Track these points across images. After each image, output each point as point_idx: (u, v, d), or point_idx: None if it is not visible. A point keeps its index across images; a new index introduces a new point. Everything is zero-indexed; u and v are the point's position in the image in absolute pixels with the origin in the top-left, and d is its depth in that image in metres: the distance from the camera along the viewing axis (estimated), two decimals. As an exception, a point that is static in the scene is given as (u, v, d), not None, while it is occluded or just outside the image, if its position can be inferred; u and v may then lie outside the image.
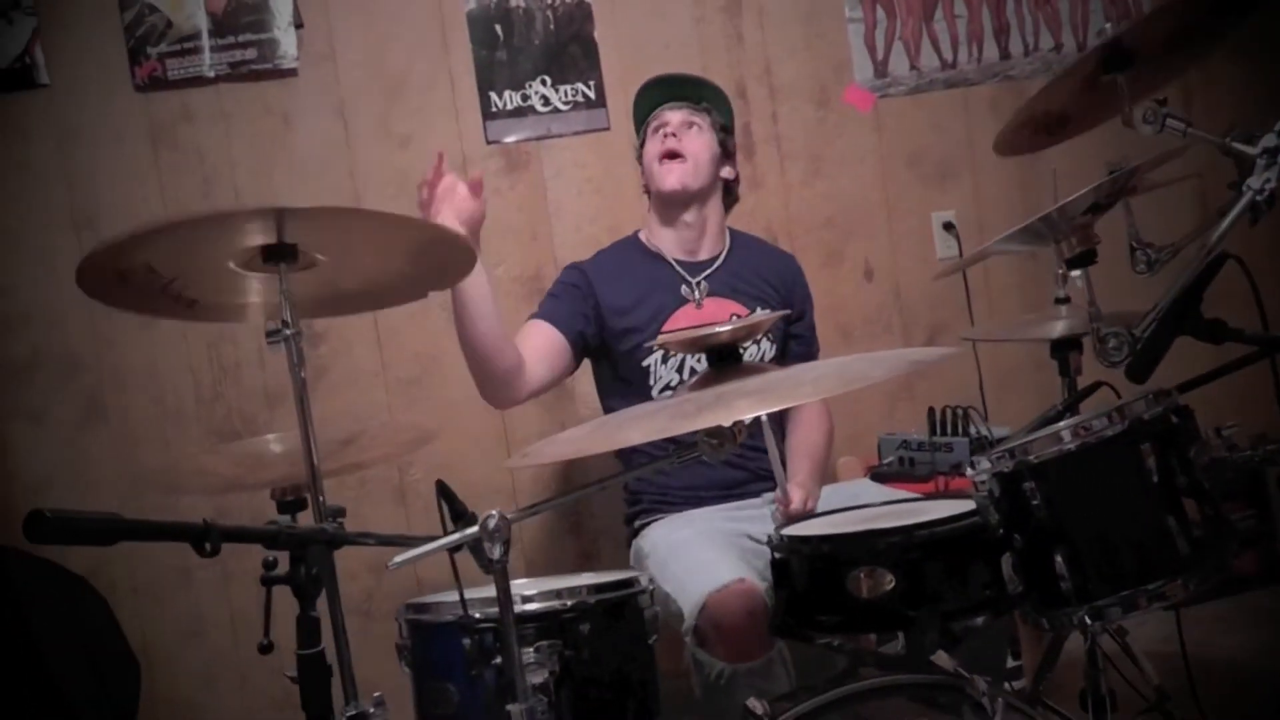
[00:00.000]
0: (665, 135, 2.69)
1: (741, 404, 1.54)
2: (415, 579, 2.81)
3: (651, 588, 2.08)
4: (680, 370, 2.64)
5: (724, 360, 1.62)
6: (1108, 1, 3.47)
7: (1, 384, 2.94)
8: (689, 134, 2.70)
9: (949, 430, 2.95)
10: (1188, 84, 3.38)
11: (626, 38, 3.21)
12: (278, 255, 1.68)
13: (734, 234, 2.82)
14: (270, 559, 1.47)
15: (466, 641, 1.91)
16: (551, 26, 3.15)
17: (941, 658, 1.78)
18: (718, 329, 1.63)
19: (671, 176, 2.67)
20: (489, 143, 3.14)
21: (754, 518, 2.54)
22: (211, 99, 3.00)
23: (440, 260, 1.86)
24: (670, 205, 2.72)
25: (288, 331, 1.69)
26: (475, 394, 3.10)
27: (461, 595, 1.80)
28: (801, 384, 1.63)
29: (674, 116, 2.71)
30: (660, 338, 1.88)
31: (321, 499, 1.70)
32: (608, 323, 2.65)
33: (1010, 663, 2.91)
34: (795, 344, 2.78)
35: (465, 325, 2.40)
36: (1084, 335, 2.22)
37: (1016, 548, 1.84)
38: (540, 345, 2.58)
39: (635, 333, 2.65)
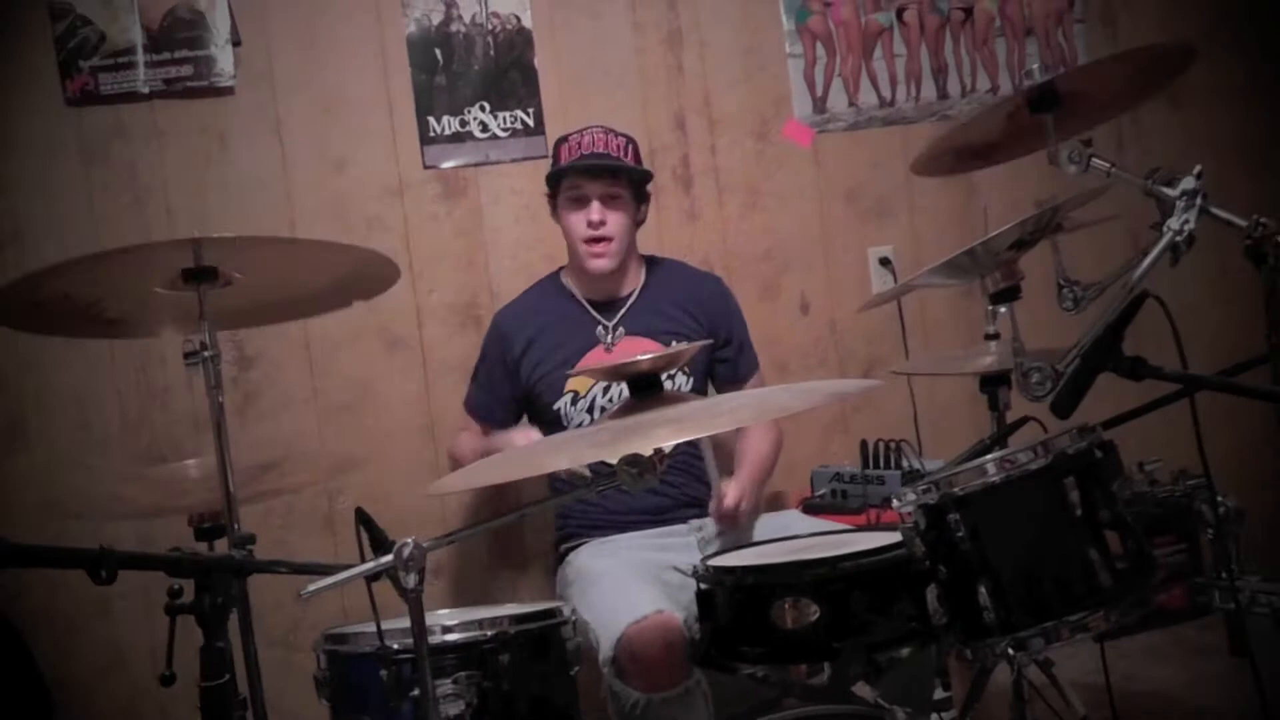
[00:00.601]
0: (589, 219, 2.66)
1: (659, 433, 1.53)
2: (342, 609, 2.75)
3: (574, 619, 2.06)
4: (591, 411, 2.66)
5: (643, 390, 1.61)
6: (1043, 46, 3.55)
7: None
8: (610, 211, 2.68)
9: (881, 464, 2.96)
10: (1119, 125, 3.46)
11: (566, 66, 3.21)
12: (197, 277, 1.65)
13: (651, 263, 2.84)
14: (175, 587, 1.43)
15: (383, 673, 1.87)
16: (492, 52, 3.15)
17: (862, 689, 1.78)
18: (638, 358, 1.62)
19: (600, 261, 2.69)
20: (426, 167, 3.12)
21: (679, 545, 2.54)
22: (145, 115, 2.95)
23: (363, 275, 1.83)
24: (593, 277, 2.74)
25: (206, 353, 1.67)
26: (408, 422, 3.11)
27: (378, 625, 1.77)
28: (719, 414, 1.63)
29: (594, 189, 2.67)
30: (579, 367, 1.88)
31: (236, 525, 1.67)
32: (522, 377, 2.73)
33: (940, 694, 2.91)
34: (722, 368, 2.80)
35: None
36: (1008, 370, 2.24)
37: (941, 579, 1.84)
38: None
39: (546, 380, 2.70)
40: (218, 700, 1.43)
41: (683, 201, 3.29)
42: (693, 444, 2.64)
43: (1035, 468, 1.77)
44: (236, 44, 2.98)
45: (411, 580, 1.58)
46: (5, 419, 2.91)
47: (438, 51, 3.12)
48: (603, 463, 1.62)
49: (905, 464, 2.89)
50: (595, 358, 2.69)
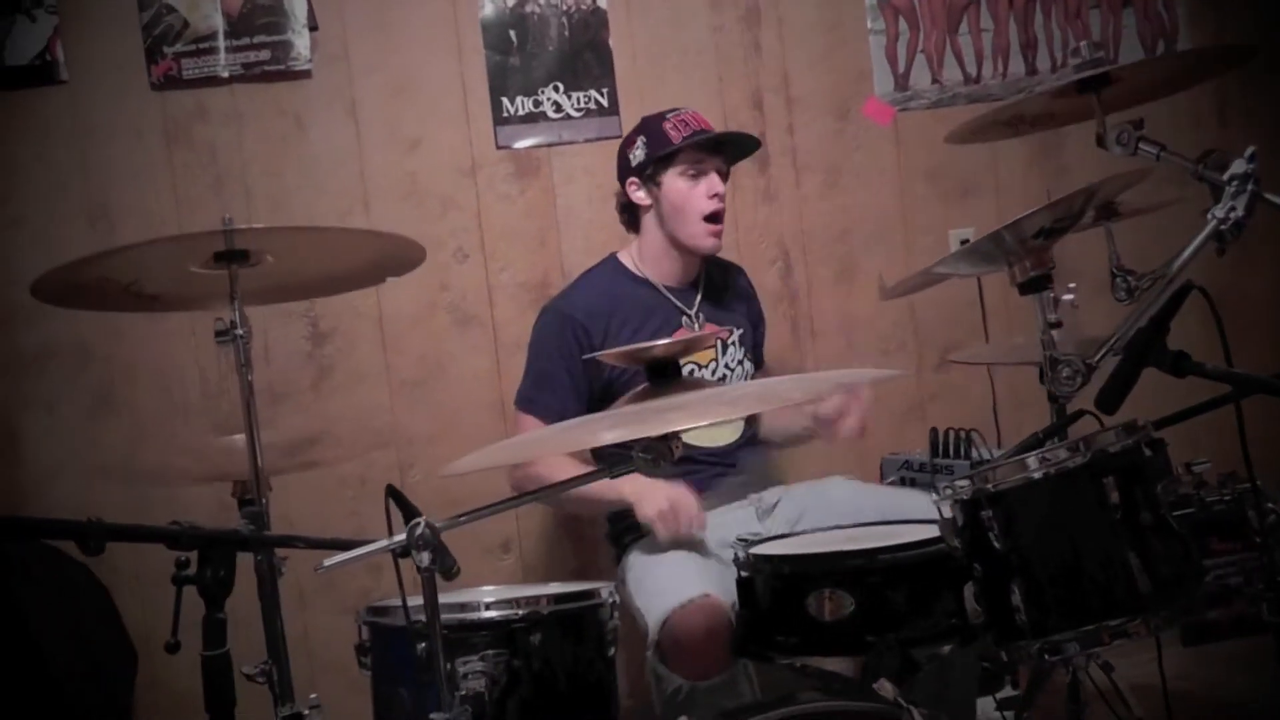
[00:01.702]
0: (711, 192, 2.60)
1: (673, 417, 1.52)
2: (413, 578, 2.82)
3: (612, 600, 2.05)
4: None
5: (662, 375, 1.60)
6: (1140, 18, 3.40)
7: (15, 374, 3.00)
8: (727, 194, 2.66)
9: (951, 452, 2.89)
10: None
11: (641, 45, 3.19)
12: (229, 259, 1.69)
13: None
14: (183, 559, 1.48)
15: (420, 647, 1.91)
16: (566, 33, 3.15)
17: (884, 686, 1.74)
18: (654, 345, 1.61)
19: (712, 240, 2.64)
20: (499, 148, 3.14)
21: (739, 520, 2.51)
22: (225, 99, 3.03)
23: (392, 255, 1.86)
24: (692, 255, 2.68)
25: (237, 332, 1.71)
26: (478, 398, 3.15)
27: (404, 601, 1.79)
28: (722, 403, 1.60)
29: (714, 163, 2.62)
30: (600, 354, 1.87)
31: (265, 500, 1.71)
32: (605, 369, 2.57)
33: (1008, 691, 2.85)
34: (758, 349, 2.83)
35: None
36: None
37: (977, 577, 1.79)
38: None
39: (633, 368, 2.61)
40: (218, 669, 1.47)
41: (758, 181, 3.25)
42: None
43: (1074, 465, 1.70)
44: (313, 29, 3.03)
45: (425, 559, 1.60)
46: (95, 388, 3.02)
47: (512, 33, 3.13)
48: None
49: (975, 454, 2.81)
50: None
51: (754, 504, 2.58)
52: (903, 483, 2.94)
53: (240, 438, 2.17)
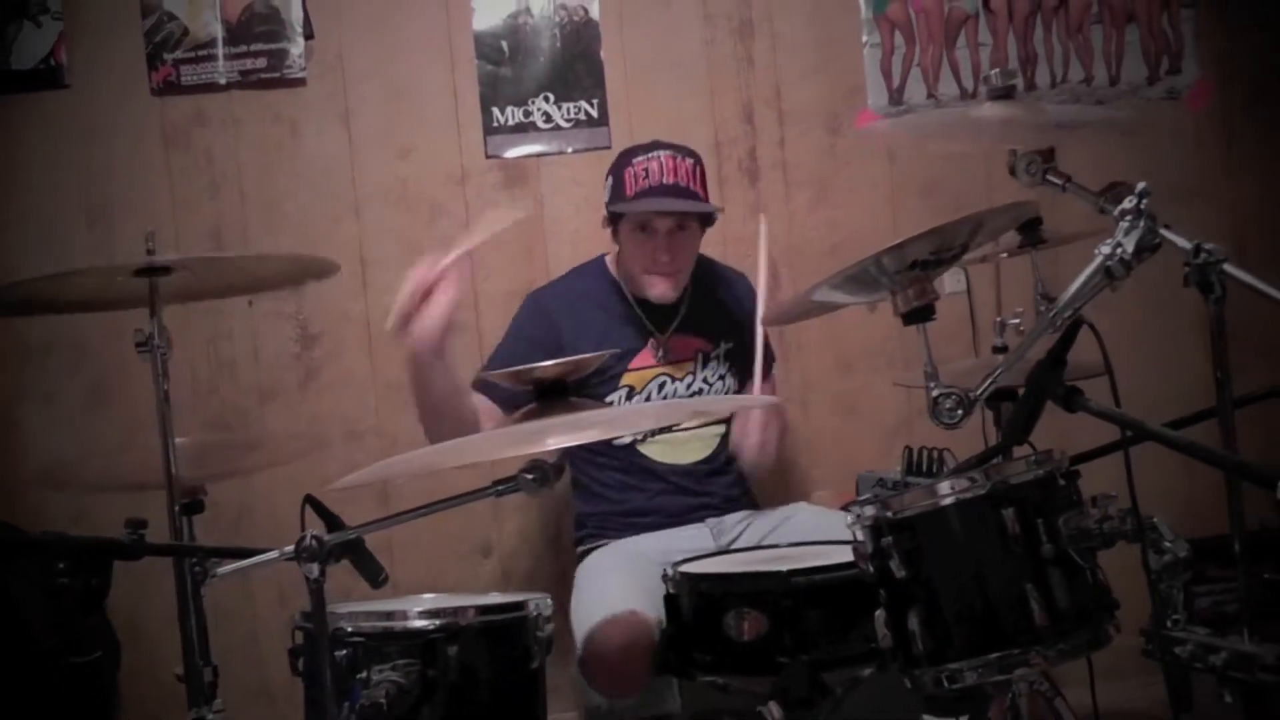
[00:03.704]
0: (656, 256, 2.58)
1: (546, 438, 1.55)
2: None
3: (538, 613, 2.07)
4: (641, 410, 2.64)
5: (550, 395, 1.62)
6: (1145, 34, 3.34)
7: (17, 365, 3.11)
8: (678, 241, 2.60)
9: (924, 470, 2.87)
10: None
11: (633, 57, 3.21)
12: (150, 273, 1.75)
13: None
14: (60, 566, 1.53)
15: (340, 654, 1.95)
16: (558, 44, 3.18)
17: (772, 710, 1.75)
18: (544, 365, 1.63)
19: (663, 290, 2.63)
20: (489, 157, 3.18)
21: (692, 538, 2.52)
22: (223, 105, 3.11)
23: (309, 267, 1.91)
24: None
25: (156, 343, 1.76)
26: (463, 403, 3.18)
27: (317, 609, 1.83)
28: (616, 421, 1.63)
29: (663, 223, 2.58)
30: (490, 374, 1.90)
31: (178, 506, 1.76)
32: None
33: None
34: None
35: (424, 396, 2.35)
36: (1019, 386, 2.13)
37: (883, 602, 1.79)
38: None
39: (600, 374, 2.62)
40: (90, 675, 1.52)
41: (748, 195, 3.25)
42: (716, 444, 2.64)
43: (973, 495, 1.69)
44: (309, 37, 3.10)
45: (314, 570, 1.64)
46: (92, 382, 3.12)
47: (504, 44, 3.17)
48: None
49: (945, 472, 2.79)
50: (646, 359, 2.68)
51: (711, 527, 2.59)
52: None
53: (186, 441, 2.24)
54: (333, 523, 1.87)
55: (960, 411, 1.56)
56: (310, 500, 1.86)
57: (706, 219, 2.69)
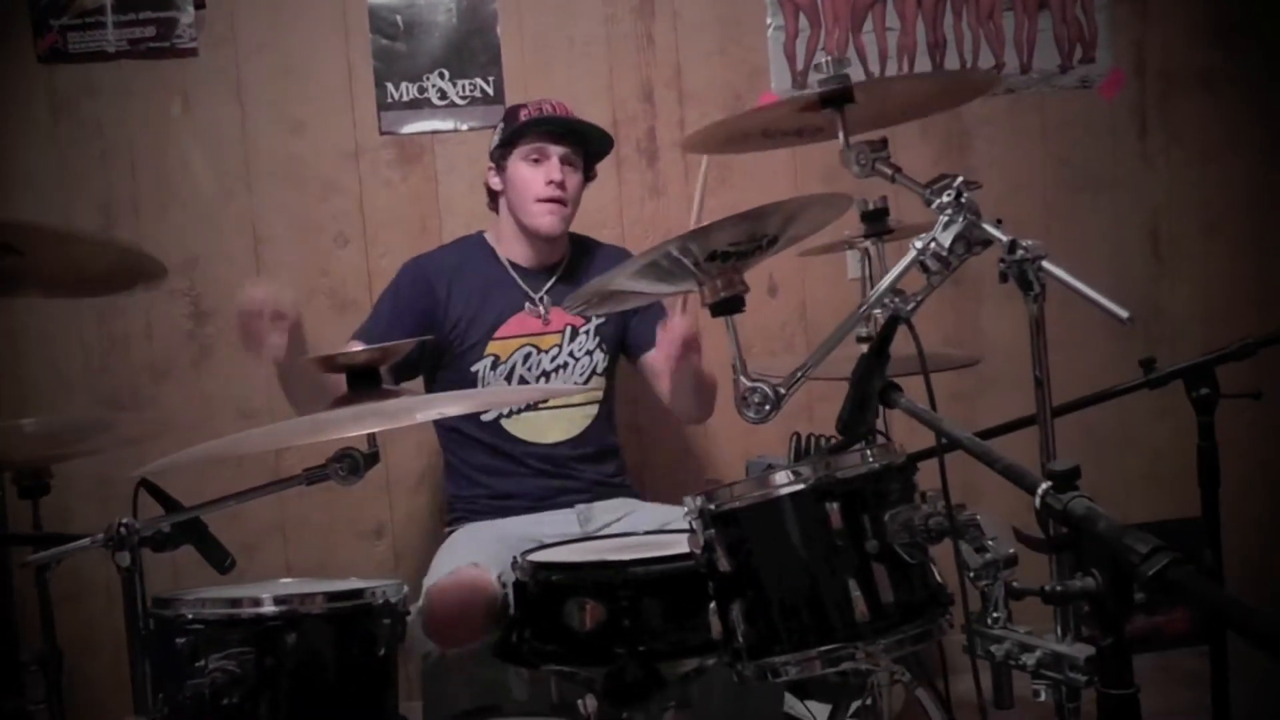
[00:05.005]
0: (550, 178, 2.61)
1: (367, 424, 1.53)
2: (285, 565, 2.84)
3: (385, 600, 2.05)
4: (509, 379, 2.62)
5: (362, 382, 1.59)
6: (1058, 21, 3.32)
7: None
8: (568, 175, 2.64)
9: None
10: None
11: (530, 34, 3.17)
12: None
13: (571, 238, 2.78)
14: None
15: (180, 641, 1.92)
16: (454, 20, 3.13)
17: (586, 703, 1.73)
18: (353, 350, 1.61)
19: (551, 220, 2.63)
20: (383, 133, 3.14)
21: (556, 523, 2.51)
22: (113, 74, 3.06)
23: (137, 268, 1.87)
24: (540, 238, 2.68)
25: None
26: (358, 382, 3.15)
27: (143, 597, 1.80)
28: (418, 409, 1.61)
29: (556, 150, 2.63)
30: (303, 359, 1.90)
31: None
32: (442, 328, 2.64)
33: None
34: (639, 334, 2.72)
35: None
36: (908, 375, 2.12)
37: (712, 594, 1.77)
38: None
39: (469, 338, 2.64)
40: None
41: (646, 176, 3.23)
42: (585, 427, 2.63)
43: (796, 489, 1.68)
44: (200, 6, 3.05)
45: (125, 559, 1.62)
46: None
47: (399, 18, 3.12)
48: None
49: (829, 460, 2.78)
50: (521, 323, 2.66)
51: (579, 514, 2.57)
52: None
53: (28, 422, 2.21)
54: (170, 505, 1.84)
55: (767, 407, 1.53)
56: (145, 483, 1.83)
57: (589, 167, 2.72)
